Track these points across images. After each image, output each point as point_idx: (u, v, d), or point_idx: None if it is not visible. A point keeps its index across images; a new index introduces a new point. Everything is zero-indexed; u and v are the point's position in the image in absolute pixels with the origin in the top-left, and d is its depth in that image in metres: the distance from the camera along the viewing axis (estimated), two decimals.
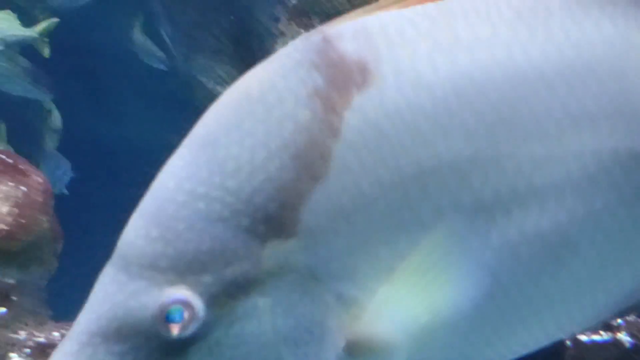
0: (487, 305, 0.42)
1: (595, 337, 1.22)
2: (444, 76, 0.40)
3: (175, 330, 0.37)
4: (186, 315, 0.37)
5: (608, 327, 1.21)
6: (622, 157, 0.44)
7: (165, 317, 0.37)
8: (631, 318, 1.23)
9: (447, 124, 0.40)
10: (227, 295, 0.37)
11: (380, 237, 0.39)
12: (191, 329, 0.37)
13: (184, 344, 0.37)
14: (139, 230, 0.39)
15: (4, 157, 1.09)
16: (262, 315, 0.38)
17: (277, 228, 0.38)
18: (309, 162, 0.38)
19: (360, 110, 0.39)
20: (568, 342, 1.24)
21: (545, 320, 0.46)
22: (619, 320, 1.23)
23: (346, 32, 0.40)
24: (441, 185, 0.40)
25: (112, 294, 0.38)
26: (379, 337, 0.39)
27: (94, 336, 0.37)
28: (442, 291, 0.39)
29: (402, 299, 0.39)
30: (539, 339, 0.47)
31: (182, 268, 0.37)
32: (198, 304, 0.37)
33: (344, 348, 0.39)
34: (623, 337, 1.23)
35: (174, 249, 0.37)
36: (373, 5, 0.42)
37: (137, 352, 0.37)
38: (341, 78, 0.39)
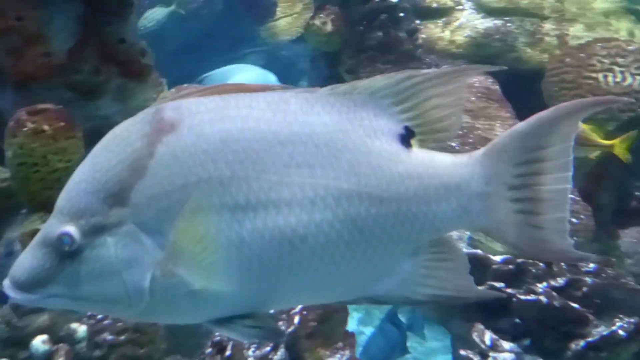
0: (251, 265, 0.68)
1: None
2: (216, 132, 0.68)
3: (66, 246, 0.67)
4: (70, 238, 0.67)
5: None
6: (332, 189, 0.69)
7: (62, 240, 0.67)
8: None
9: (215, 156, 0.67)
10: (91, 232, 0.67)
11: (176, 214, 0.66)
12: (74, 246, 0.67)
13: (71, 254, 0.67)
14: (60, 194, 0.70)
15: None
16: (109, 246, 0.67)
17: (118, 201, 0.67)
18: (136, 169, 0.67)
19: (166, 145, 0.67)
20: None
21: (293, 287, 0.71)
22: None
23: (169, 106, 0.70)
24: (211, 190, 0.67)
25: (46, 224, 0.69)
26: (173, 268, 0.67)
27: (35, 244, 0.69)
28: (199, 245, 0.66)
29: (176, 248, 0.66)
30: (297, 301, 0.78)
31: (72, 215, 0.67)
32: (77, 234, 0.67)
33: (160, 273, 0.66)
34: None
35: (69, 205, 0.68)
36: (194, 93, 0.72)
37: (50, 254, 0.67)
38: (159, 128, 0.68)
